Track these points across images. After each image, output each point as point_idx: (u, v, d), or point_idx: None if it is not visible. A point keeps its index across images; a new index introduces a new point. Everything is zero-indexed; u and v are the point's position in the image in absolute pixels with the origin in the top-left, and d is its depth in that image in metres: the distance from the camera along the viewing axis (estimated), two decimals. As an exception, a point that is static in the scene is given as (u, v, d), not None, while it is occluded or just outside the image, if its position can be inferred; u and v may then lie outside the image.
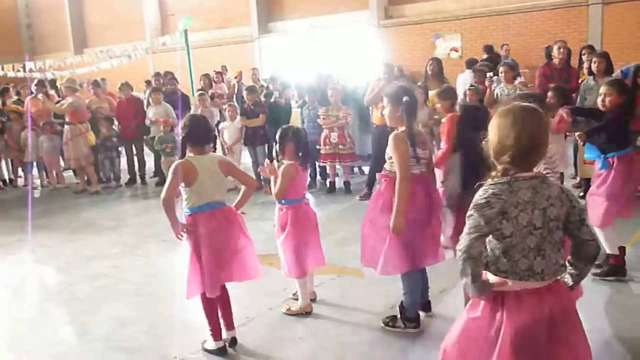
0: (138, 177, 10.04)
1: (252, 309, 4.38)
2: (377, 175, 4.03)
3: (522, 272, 2.16)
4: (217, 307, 3.74)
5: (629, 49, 9.59)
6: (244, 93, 9.05)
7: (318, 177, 8.87)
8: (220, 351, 3.71)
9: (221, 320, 3.77)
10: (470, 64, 10.65)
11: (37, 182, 10.44)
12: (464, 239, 2.19)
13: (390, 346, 3.75)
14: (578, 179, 7.43)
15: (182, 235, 3.59)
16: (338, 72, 11.34)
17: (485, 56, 11.71)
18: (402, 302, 3.93)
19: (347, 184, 8.36)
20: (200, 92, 9.85)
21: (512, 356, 2.14)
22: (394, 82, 4.98)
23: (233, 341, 3.80)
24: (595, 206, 4.46)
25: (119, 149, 10.01)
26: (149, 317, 4.38)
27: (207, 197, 3.61)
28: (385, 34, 15.70)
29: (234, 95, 12.43)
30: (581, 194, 6.89)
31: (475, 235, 2.15)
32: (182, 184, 3.58)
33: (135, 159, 10.05)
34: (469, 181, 3.09)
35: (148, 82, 11.50)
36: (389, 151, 3.71)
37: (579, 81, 7.16)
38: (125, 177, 10.05)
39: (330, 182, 8.47)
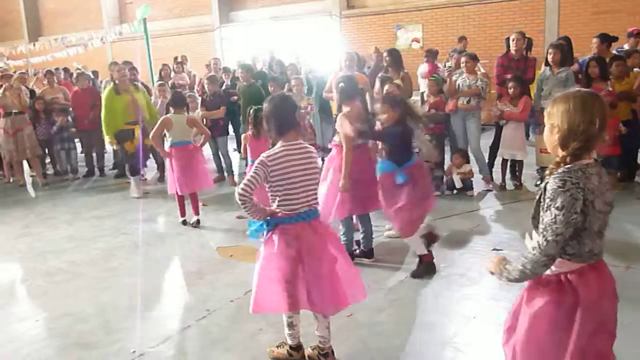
0: (96, 169, 9.84)
1: (212, 301, 4.34)
2: (330, 144, 5.17)
3: (585, 254, 2.21)
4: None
5: (585, 40, 9.79)
6: (205, 83, 8.89)
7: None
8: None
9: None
10: (431, 54, 10.72)
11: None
12: (542, 241, 2.13)
13: (351, 334, 3.77)
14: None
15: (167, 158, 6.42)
16: (303, 62, 11.30)
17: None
18: (358, 241, 5.10)
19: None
20: (160, 82, 9.67)
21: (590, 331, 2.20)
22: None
23: (197, 222, 6.35)
24: (400, 220, 4.60)
25: (75, 140, 9.78)
26: (106, 312, 4.30)
27: (179, 137, 6.30)
28: (347, 24, 15.69)
29: (194, 87, 12.25)
30: (538, 182, 7.05)
31: (559, 239, 2.12)
32: (165, 129, 6.24)
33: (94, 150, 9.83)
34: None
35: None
36: (337, 127, 4.71)
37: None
38: (83, 169, 9.83)
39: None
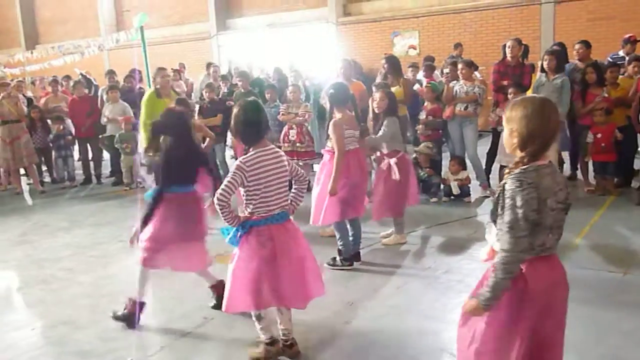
0: (94, 177, 9.83)
1: (210, 309, 4.31)
2: (323, 150, 5.30)
3: (537, 248, 2.35)
4: None
5: (580, 47, 9.90)
6: (203, 91, 8.90)
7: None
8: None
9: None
10: (427, 61, 10.75)
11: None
12: (512, 239, 2.25)
13: (348, 341, 3.75)
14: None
15: None
16: (300, 69, 11.31)
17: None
18: (339, 247, 5.05)
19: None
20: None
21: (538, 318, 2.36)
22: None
23: None
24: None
25: (72, 147, 9.77)
26: (102, 321, 4.27)
27: None
28: (343, 31, 15.73)
29: (192, 94, 12.26)
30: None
31: (524, 234, 2.25)
32: None
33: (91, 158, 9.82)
34: None
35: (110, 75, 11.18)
36: (330, 133, 4.88)
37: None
38: (80, 177, 9.82)
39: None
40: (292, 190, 3.57)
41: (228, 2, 18.02)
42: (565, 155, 7.80)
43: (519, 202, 2.24)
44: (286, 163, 3.45)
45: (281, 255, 3.33)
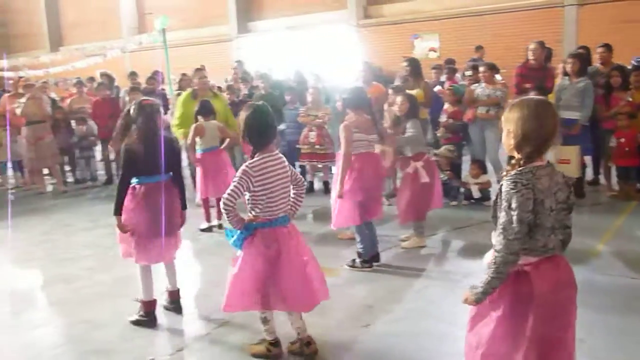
0: (115, 177, 9.93)
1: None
2: (337, 154, 5.42)
3: (539, 249, 2.36)
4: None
5: (604, 50, 9.75)
6: (225, 93, 8.96)
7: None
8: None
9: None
10: (448, 64, 10.68)
11: (13, 182, 10.28)
12: (504, 241, 2.29)
13: (367, 345, 3.74)
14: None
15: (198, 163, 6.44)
16: (320, 71, 11.32)
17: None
18: (358, 250, 5.08)
19: (325, 184, 8.33)
20: (178, 91, 9.74)
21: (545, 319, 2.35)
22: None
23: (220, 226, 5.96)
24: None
25: (94, 148, 9.90)
26: (122, 319, 4.30)
27: (209, 143, 6.43)
28: (364, 33, 15.73)
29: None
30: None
31: (517, 236, 2.28)
32: (198, 136, 6.35)
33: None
34: None
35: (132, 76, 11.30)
36: (340, 136, 4.94)
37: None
38: (102, 177, 9.93)
39: (309, 181, 8.44)
40: (292, 195, 3.59)
41: (248, 4, 18.12)
42: (588, 160, 7.69)
43: (513, 204, 2.26)
44: (288, 168, 3.50)
45: (285, 257, 3.37)
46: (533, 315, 2.34)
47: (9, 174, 10.23)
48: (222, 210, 3.35)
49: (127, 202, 4.06)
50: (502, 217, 2.31)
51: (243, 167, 3.34)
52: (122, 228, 4.06)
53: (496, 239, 2.34)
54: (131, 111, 4.10)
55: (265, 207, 3.37)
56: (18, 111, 8.93)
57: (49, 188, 9.71)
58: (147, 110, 4.08)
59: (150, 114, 4.07)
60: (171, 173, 4.21)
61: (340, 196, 4.91)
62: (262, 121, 3.42)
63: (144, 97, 4.87)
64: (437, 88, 9.03)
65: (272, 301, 3.41)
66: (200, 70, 8.13)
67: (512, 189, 2.27)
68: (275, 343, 3.60)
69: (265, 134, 3.42)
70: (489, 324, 2.44)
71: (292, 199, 3.57)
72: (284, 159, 3.52)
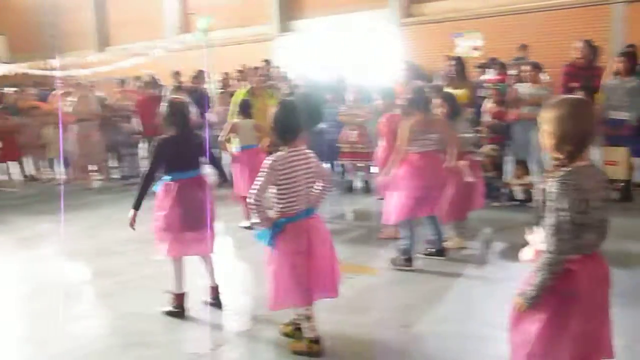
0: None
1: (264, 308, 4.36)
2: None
3: (584, 247, 2.37)
4: None
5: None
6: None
7: (337, 175, 8.84)
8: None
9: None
10: (492, 63, 10.50)
11: (61, 177, 10.62)
12: (556, 242, 2.30)
13: (409, 346, 3.72)
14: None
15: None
16: (359, 71, 11.32)
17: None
18: (401, 246, 5.09)
19: (366, 183, 8.33)
20: (221, 90, 9.89)
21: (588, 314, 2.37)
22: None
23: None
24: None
25: (139, 145, 10.13)
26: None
27: (246, 141, 6.54)
28: (405, 32, 15.59)
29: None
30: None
31: (568, 236, 2.29)
32: (234, 133, 6.55)
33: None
34: None
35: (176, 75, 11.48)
36: (398, 132, 5.10)
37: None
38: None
39: (349, 180, 8.45)
40: (317, 188, 3.65)
41: (290, 3, 18.20)
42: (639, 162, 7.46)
43: (563, 205, 2.27)
44: (314, 163, 3.56)
45: (316, 246, 3.46)
46: (577, 314, 2.35)
47: (59, 170, 10.58)
48: (250, 207, 3.42)
49: (161, 198, 4.22)
50: (551, 217, 2.31)
51: (268, 162, 3.42)
52: (132, 224, 4.23)
53: (547, 240, 2.33)
54: (162, 109, 4.23)
55: (289, 200, 3.44)
56: (68, 109, 9.21)
57: (96, 184, 9.99)
58: (177, 107, 4.21)
59: (180, 112, 4.20)
60: (200, 169, 4.34)
61: (385, 190, 5.13)
62: (288, 117, 3.51)
63: (174, 96, 5.03)
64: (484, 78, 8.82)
65: (314, 292, 3.48)
66: (258, 68, 8.23)
67: (560, 189, 2.27)
68: (316, 340, 3.63)
69: (291, 129, 3.50)
70: (534, 323, 2.43)
71: (317, 192, 3.63)
72: (311, 154, 3.58)
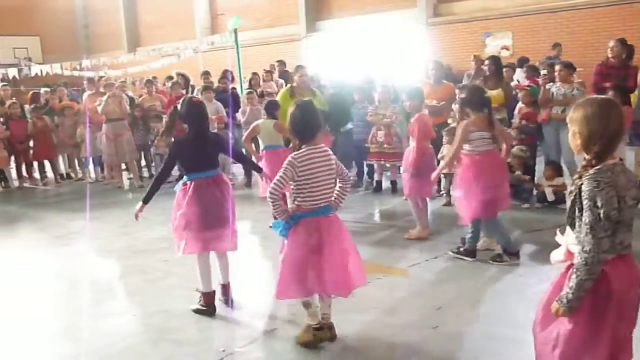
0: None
1: (299, 305, 4.39)
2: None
3: (617, 247, 2.36)
4: None
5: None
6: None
7: (365, 175, 8.83)
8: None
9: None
10: (522, 62, 10.40)
11: (93, 176, 10.85)
12: (594, 240, 2.27)
13: (436, 346, 3.71)
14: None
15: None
16: (389, 70, 11.28)
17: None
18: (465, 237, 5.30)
19: (393, 183, 8.31)
20: (248, 90, 9.96)
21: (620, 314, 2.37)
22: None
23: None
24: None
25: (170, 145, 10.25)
26: (197, 311, 4.46)
27: (269, 141, 6.51)
28: (434, 32, 15.52)
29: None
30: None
31: (606, 234, 2.27)
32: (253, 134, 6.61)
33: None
34: None
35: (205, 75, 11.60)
36: (456, 132, 5.24)
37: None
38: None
39: (376, 181, 8.44)
40: (337, 188, 3.71)
41: (318, 4, 18.25)
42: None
43: (599, 202, 2.25)
44: (334, 162, 3.64)
45: (327, 245, 3.53)
46: (610, 315, 2.34)
47: (89, 169, 10.81)
48: (268, 200, 3.51)
49: (180, 197, 4.33)
50: (587, 216, 2.28)
51: (289, 158, 3.52)
52: (137, 215, 4.39)
53: (582, 239, 2.32)
54: (179, 109, 4.30)
55: (307, 196, 3.54)
56: (99, 109, 9.39)
57: (126, 183, 10.16)
58: (195, 108, 4.28)
59: (199, 112, 4.29)
60: (218, 168, 4.42)
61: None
62: (305, 116, 3.59)
63: (192, 96, 5.10)
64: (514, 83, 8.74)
65: (311, 284, 3.57)
66: (300, 67, 8.27)
67: (595, 187, 2.26)
68: (320, 327, 3.72)
69: (309, 128, 3.58)
70: (566, 324, 2.42)
71: (336, 192, 3.70)
72: (330, 153, 3.67)
